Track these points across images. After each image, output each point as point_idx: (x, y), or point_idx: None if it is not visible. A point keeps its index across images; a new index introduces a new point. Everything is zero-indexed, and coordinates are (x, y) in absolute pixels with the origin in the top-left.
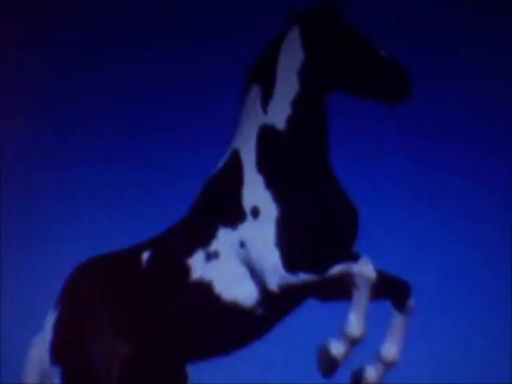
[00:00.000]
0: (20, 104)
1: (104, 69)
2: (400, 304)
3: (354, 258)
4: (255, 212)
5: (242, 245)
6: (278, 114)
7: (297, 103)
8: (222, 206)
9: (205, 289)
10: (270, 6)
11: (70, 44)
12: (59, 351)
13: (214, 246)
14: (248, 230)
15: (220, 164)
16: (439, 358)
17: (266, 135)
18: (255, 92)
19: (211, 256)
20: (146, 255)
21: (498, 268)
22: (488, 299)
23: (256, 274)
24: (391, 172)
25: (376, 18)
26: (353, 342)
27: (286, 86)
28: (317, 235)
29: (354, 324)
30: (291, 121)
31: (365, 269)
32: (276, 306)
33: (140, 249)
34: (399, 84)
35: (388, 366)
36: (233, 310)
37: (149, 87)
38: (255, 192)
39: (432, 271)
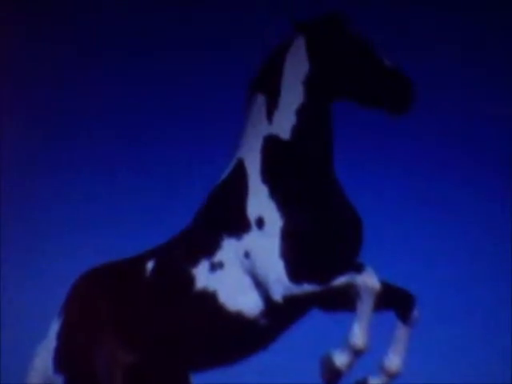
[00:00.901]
0: (22, 110)
1: (108, 75)
2: (404, 315)
3: (358, 268)
4: (260, 222)
5: (247, 255)
6: (283, 124)
7: (302, 113)
8: (226, 216)
9: (209, 299)
10: (274, 15)
11: (72, 50)
12: (63, 359)
13: (219, 256)
14: (253, 240)
15: (225, 174)
16: (441, 369)
17: (271, 145)
18: (260, 101)
19: (216, 266)
20: (150, 265)
21: (501, 277)
22: (489, 308)
23: (260, 285)
24: (395, 181)
25: (380, 25)
26: (356, 353)
27: (291, 96)
28: (321, 246)
29: (358, 335)
30: (296, 130)
31: (369, 280)
32: (280, 316)
33: (144, 258)
34: (403, 93)
35: (391, 376)
36: (237, 320)
37: (153, 97)
38: (260, 202)
39: (436, 282)
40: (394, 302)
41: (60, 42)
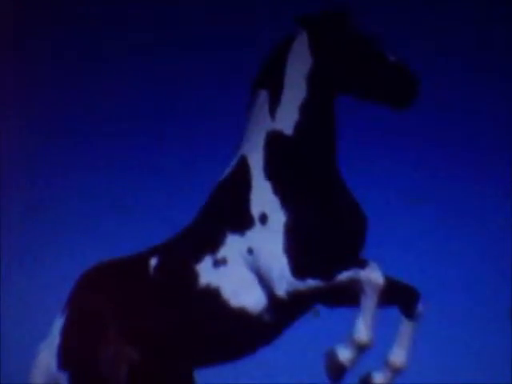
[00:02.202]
0: (29, 109)
1: (111, 74)
2: (408, 310)
3: (362, 264)
4: (263, 218)
5: (250, 251)
6: (286, 120)
7: (305, 108)
8: (230, 213)
9: (213, 295)
10: (277, 11)
11: (73, 51)
12: (67, 356)
13: (222, 252)
14: (256, 236)
15: (228, 170)
16: (444, 363)
17: (274, 141)
18: (263, 98)
19: (219, 262)
20: (154, 261)
21: (504, 276)
22: (491, 304)
23: (264, 281)
24: (399, 177)
25: (382, 20)
26: (361, 348)
27: (294, 92)
28: (325, 241)
29: (362, 330)
30: (299, 126)
31: (373, 275)
32: (284, 312)
33: (148, 255)
34: (406, 88)
35: (396, 372)
36: (240, 317)
37: (156, 94)
38: (263, 198)
39: (439, 278)
40: (398, 297)
41: (61, 40)
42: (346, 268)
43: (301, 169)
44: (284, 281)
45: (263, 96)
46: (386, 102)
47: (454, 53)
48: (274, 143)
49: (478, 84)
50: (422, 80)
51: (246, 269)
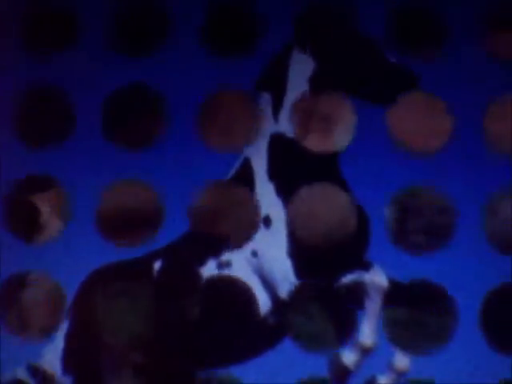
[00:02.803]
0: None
1: (117, 76)
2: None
3: (366, 266)
4: (267, 221)
5: (254, 254)
6: (289, 122)
7: None
8: None
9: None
10: (278, 13)
11: (75, 48)
12: (71, 360)
13: (226, 255)
14: (260, 239)
15: (231, 173)
16: (445, 363)
17: (277, 143)
18: (265, 100)
19: (223, 265)
20: (157, 264)
21: (503, 272)
22: None
23: (268, 283)
24: (403, 179)
25: (382, 20)
26: (365, 352)
27: (297, 94)
28: (328, 244)
29: (367, 333)
30: None
31: (377, 278)
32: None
33: (151, 257)
34: (406, 88)
35: (400, 374)
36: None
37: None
38: (267, 201)
39: (441, 278)
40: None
41: (60, 40)
42: (350, 271)
43: (304, 171)
44: (288, 283)
45: (266, 98)
46: (387, 102)
47: (454, 52)
48: (278, 145)
49: (478, 83)
50: (422, 80)
51: (250, 272)
